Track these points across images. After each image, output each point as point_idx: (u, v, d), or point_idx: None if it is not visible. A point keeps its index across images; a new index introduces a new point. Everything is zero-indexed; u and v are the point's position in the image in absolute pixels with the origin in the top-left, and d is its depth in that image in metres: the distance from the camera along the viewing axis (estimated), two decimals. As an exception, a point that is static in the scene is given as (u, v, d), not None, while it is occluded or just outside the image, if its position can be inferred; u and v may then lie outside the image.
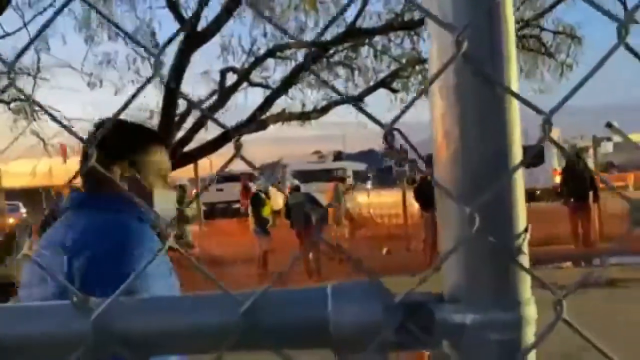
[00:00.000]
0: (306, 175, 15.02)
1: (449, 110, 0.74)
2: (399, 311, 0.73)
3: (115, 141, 1.63)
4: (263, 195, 12.60)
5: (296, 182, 13.15)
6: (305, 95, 9.13)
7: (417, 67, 8.93)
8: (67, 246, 1.54)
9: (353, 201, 17.70)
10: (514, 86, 0.74)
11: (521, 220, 0.74)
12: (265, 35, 8.34)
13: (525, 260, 0.74)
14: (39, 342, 0.72)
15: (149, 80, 0.73)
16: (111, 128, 1.69)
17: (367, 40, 8.42)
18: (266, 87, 8.35)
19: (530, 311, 0.74)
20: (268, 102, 7.63)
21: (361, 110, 0.75)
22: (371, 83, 8.96)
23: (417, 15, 8.15)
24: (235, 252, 12.95)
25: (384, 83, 9.11)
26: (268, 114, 7.53)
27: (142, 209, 1.58)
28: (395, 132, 0.72)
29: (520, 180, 0.74)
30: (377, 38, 8.47)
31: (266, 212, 12.08)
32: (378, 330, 0.72)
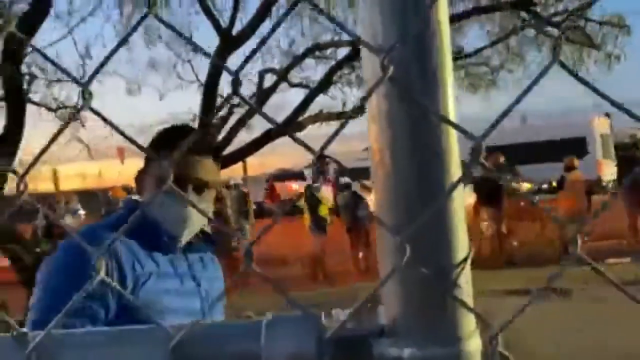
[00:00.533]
0: (354, 173, 14.96)
1: (381, 136, 0.70)
2: (333, 345, 0.70)
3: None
4: (318, 194, 12.62)
5: (347, 179, 13.12)
6: (345, 94, 9.08)
7: (459, 62, 8.75)
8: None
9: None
10: (450, 108, 0.70)
11: (460, 248, 0.70)
12: (303, 34, 8.36)
13: (465, 292, 0.70)
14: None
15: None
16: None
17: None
18: (305, 87, 8.35)
19: (472, 345, 0.70)
20: (307, 102, 7.62)
21: (294, 139, 0.72)
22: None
23: (457, 9, 8.00)
24: (291, 252, 12.95)
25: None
26: (306, 114, 7.53)
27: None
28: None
29: (460, 205, 0.70)
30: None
31: (323, 210, 12.11)
32: (312, 364, 0.70)
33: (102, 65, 0.73)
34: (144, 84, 8.46)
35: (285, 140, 7.95)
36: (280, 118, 7.95)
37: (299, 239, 12.81)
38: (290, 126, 7.30)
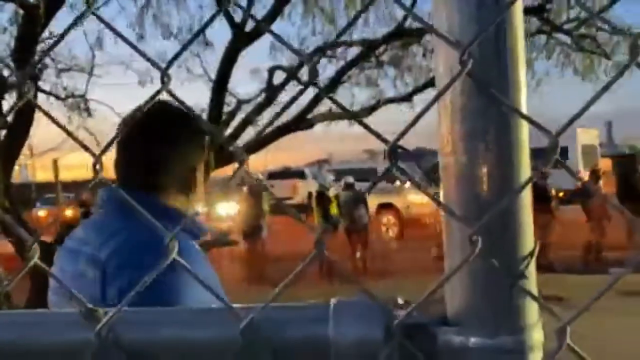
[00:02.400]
0: (354, 174, 14.98)
1: (454, 130, 0.72)
2: (400, 332, 0.72)
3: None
4: (328, 193, 12.67)
5: (350, 179, 13.14)
6: (353, 95, 9.11)
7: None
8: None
9: (403, 200, 17.57)
10: (523, 104, 0.72)
11: (528, 242, 0.72)
12: (314, 34, 8.38)
13: (531, 283, 0.72)
14: (43, 350, 0.74)
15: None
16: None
17: (416, 40, 8.34)
18: (315, 85, 8.37)
19: (536, 336, 0.72)
20: (315, 101, 7.64)
21: (364, 125, 0.74)
22: (420, 82, 8.87)
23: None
24: (302, 249, 12.98)
25: (433, 83, 8.99)
26: (315, 112, 7.56)
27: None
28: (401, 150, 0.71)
29: (527, 201, 0.72)
30: (427, 37, 8.38)
31: (333, 209, 12.14)
32: (378, 351, 0.72)
33: (181, 51, 0.75)
34: (154, 77, 8.41)
35: (287, 137, 7.98)
36: (288, 116, 7.98)
37: (306, 237, 12.83)
38: (300, 124, 7.32)
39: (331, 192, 13.29)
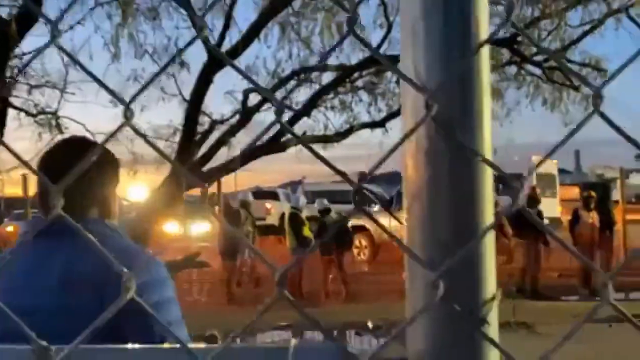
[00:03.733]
0: (326, 196, 14.99)
1: (419, 172, 0.72)
2: (360, 376, 0.70)
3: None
4: (301, 214, 12.60)
5: (325, 202, 13.13)
6: (327, 119, 9.14)
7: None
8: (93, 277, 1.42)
9: (374, 224, 17.56)
10: (487, 149, 0.72)
11: (490, 287, 0.72)
12: (290, 57, 8.41)
13: (493, 329, 0.71)
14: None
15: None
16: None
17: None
18: (289, 108, 8.38)
19: (497, 383, 0.71)
20: (290, 124, 7.65)
21: (320, 157, 0.74)
22: (394, 108, 8.94)
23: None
24: (267, 271, 12.85)
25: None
26: (289, 135, 7.56)
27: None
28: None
29: (491, 246, 0.72)
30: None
31: (307, 231, 12.07)
32: (338, 395, 0.70)
33: (147, 84, 0.73)
34: (126, 95, 8.35)
35: (274, 156, 7.98)
36: (262, 138, 7.97)
37: (278, 259, 12.76)
38: (273, 146, 7.31)
39: (304, 214, 13.25)
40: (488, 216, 0.71)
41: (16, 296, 1.37)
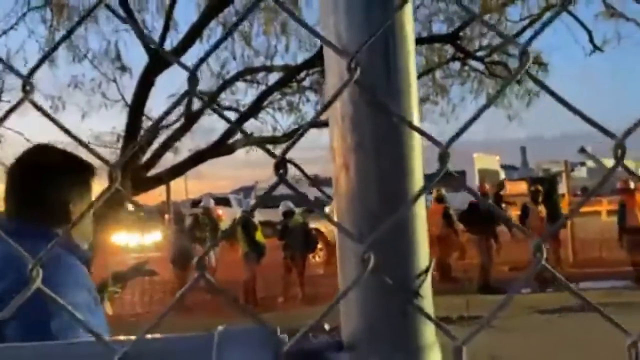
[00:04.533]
0: (280, 200, 14.91)
1: (345, 141, 0.68)
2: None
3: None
4: (253, 219, 12.45)
5: (290, 204, 13.05)
6: (276, 120, 9.08)
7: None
8: None
9: (329, 226, 17.59)
10: (414, 114, 0.69)
11: (422, 259, 0.68)
12: (234, 58, 8.32)
13: (427, 302, 0.68)
14: None
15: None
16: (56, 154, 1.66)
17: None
18: (235, 110, 8.29)
19: (433, 357, 0.68)
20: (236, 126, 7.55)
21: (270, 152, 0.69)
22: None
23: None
24: (228, 276, 12.65)
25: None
26: (236, 137, 7.47)
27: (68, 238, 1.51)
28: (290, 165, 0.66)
29: (421, 214, 0.69)
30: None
31: (259, 236, 11.93)
32: (267, 380, 0.66)
33: (43, 59, 0.68)
34: (67, 102, 8.12)
35: (210, 163, 7.86)
36: (209, 141, 7.86)
37: (231, 265, 12.60)
38: (220, 149, 7.21)
39: (257, 218, 13.14)
40: (417, 184, 0.68)
41: None
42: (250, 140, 7.96)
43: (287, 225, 12.42)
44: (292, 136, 9.15)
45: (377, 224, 0.66)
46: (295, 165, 0.67)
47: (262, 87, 8.52)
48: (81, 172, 1.68)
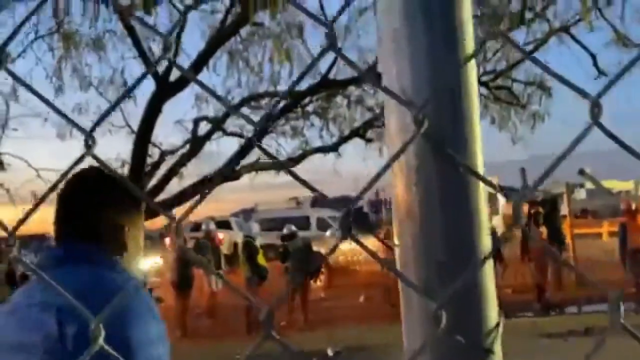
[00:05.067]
0: (280, 223, 14.87)
1: (410, 191, 0.67)
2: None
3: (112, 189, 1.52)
4: (255, 243, 12.39)
5: (293, 227, 13.00)
6: (279, 145, 9.10)
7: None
8: (57, 308, 1.34)
9: (328, 249, 17.53)
10: (479, 163, 0.68)
11: (492, 313, 0.67)
12: (239, 85, 8.36)
13: (497, 358, 0.66)
14: None
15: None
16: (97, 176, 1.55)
17: (340, 91, 8.47)
18: (240, 136, 8.32)
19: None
20: (242, 152, 7.58)
21: (297, 177, 0.68)
22: (345, 132, 8.97)
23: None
24: (224, 301, 12.53)
25: (358, 132, 9.14)
26: (242, 163, 7.47)
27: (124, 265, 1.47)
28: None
29: (490, 271, 0.67)
30: (350, 88, 8.53)
31: (261, 259, 11.85)
32: None
33: (107, 113, 0.67)
34: (73, 129, 8.12)
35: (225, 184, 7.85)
36: (214, 166, 7.86)
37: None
38: (226, 175, 7.21)
39: (258, 242, 13.08)
40: (484, 235, 0.67)
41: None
42: (256, 166, 7.97)
43: (289, 248, 12.36)
44: (297, 161, 9.20)
45: (445, 277, 0.64)
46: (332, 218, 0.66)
47: (266, 112, 8.57)
48: (133, 195, 1.63)
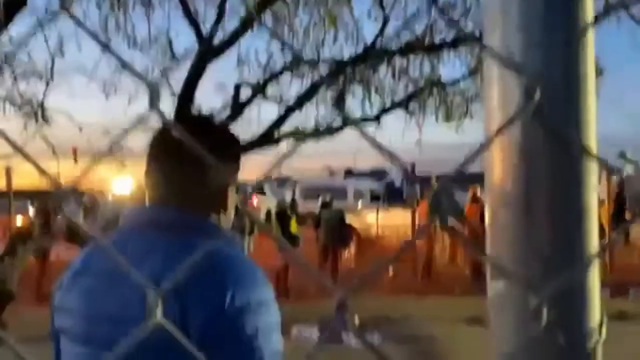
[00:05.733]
0: (314, 192, 14.90)
1: (510, 175, 0.60)
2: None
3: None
4: (288, 210, 12.45)
5: (328, 197, 13.06)
6: (319, 113, 8.99)
7: (435, 90, 8.78)
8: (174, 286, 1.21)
9: (361, 220, 17.53)
10: (594, 142, 0.60)
11: (596, 315, 0.60)
12: (282, 50, 8.24)
13: (598, 363, 0.59)
14: None
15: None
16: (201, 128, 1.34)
17: (385, 61, 8.31)
18: (280, 102, 8.24)
19: None
20: (282, 118, 7.52)
21: (373, 142, 0.61)
22: (388, 103, 8.82)
23: (437, 38, 8.03)
24: (261, 265, 12.59)
25: (401, 104, 8.98)
26: (281, 130, 7.42)
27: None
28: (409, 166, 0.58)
29: (596, 268, 0.60)
30: (396, 58, 8.36)
31: (294, 227, 11.91)
32: None
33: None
34: (118, 87, 8.16)
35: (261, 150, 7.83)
36: (254, 132, 7.83)
37: (266, 254, 12.62)
38: (266, 140, 7.17)
39: (291, 209, 13.14)
40: (593, 224, 0.59)
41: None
42: (296, 135, 7.91)
43: (323, 216, 12.38)
44: (336, 130, 9.10)
45: (547, 269, 0.57)
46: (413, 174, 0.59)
47: (308, 80, 8.47)
48: (237, 148, 1.42)
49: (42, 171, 0.54)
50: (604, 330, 0.59)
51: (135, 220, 1.37)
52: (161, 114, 0.62)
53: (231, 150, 1.39)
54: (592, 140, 0.59)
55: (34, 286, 11.36)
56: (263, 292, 1.21)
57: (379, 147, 0.60)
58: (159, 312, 0.59)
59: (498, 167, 0.61)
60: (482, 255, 0.59)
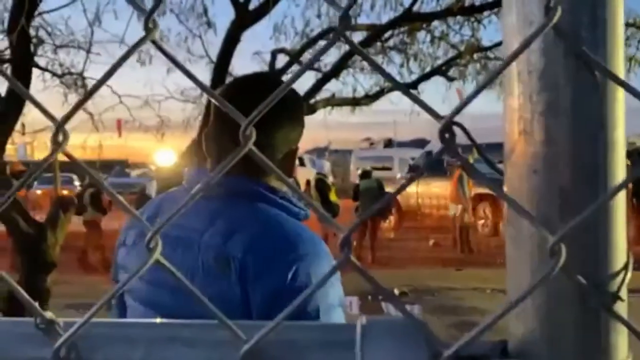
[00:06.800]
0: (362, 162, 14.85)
1: (530, 101, 0.55)
2: (448, 365, 0.55)
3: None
4: (328, 180, 12.51)
5: (368, 167, 13.05)
6: (357, 81, 8.88)
7: (476, 56, 8.56)
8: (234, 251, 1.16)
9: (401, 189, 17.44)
10: (621, 70, 0.55)
11: (621, 253, 0.55)
12: (319, 16, 8.15)
13: (623, 308, 0.55)
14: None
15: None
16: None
17: (424, 26, 8.13)
18: (317, 70, 8.16)
19: (627, 377, 0.55)
20: (318, 86, 7.45)
21: (414, 99, 0.57)
22: (426, 70, 8.65)
23: (478, 0, 7.80)
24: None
25: (440, 71, 8.79)
26: (318, 97, 7.35)
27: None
28: (455, 127, 0.54)
29: (622, 203, 0.55)
30: (434, 23, 8.17)
31: (333, 196, 11.95)
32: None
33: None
34: (154, 56, 8.20)
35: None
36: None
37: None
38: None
39: (330, 179, 13.17)
40: (619, 158, 0.54)
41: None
42: (332, 101, 7.83)
43: (362, 186, 12.36)
44: (374, 98, 8.99)
45: (567, 206, 0.53)
46: (463, 129, 0.55)
47: (345, 47, 8.34)
48: (303, 108, 1.35)
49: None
50: (629, 273, 0.54)
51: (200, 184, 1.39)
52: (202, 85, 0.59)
53: (299, 110, 1.33)
54: (619, 67, 0.54)
55: (80, 255, 11.68)
56: (326, 269, 1.17)
57: (423, 104, 0.56)
58: (157, 254, 0.57)
59: (516, 94, 0.56)
60: (499, 193, 0.55)
